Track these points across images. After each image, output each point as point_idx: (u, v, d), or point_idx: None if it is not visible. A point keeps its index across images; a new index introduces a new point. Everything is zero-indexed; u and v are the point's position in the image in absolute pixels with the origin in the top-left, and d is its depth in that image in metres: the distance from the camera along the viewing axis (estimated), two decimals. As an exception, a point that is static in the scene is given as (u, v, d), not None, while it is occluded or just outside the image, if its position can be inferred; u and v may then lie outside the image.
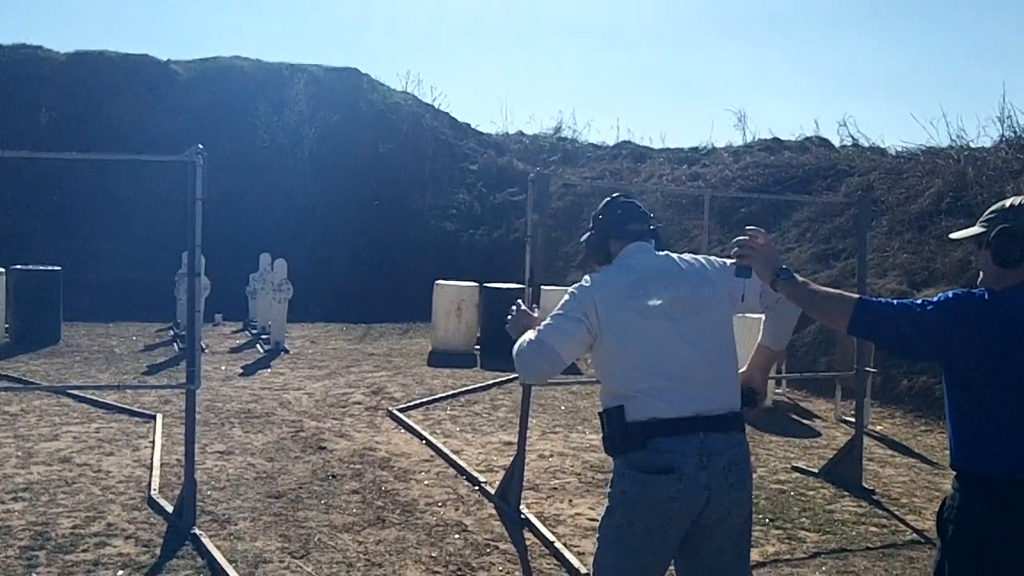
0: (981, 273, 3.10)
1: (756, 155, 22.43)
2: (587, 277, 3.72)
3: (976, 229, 3.11)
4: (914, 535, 7.01)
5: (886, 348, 3.13)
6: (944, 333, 2.93)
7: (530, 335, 3.64)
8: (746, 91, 64.55)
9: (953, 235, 3.36)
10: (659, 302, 3.52)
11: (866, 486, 8.21)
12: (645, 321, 3.50)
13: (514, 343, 3.70)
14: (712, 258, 3.79)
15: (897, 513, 7.54)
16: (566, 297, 3.68)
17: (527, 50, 66.44)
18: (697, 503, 3.38)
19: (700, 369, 3.47)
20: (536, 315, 3.87)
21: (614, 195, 3.99)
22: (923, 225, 15.36)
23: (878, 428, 10.96)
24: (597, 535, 3.63)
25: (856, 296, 3.09)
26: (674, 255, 3.77)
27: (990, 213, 3.09)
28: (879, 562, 6.35)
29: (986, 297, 2.98)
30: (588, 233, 3.89)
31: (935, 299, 2.98)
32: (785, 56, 68.55)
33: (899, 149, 20.06)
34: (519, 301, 4.15)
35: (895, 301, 3.07)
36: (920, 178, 16.80)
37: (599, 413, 3.60)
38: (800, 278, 3.22)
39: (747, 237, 3.30)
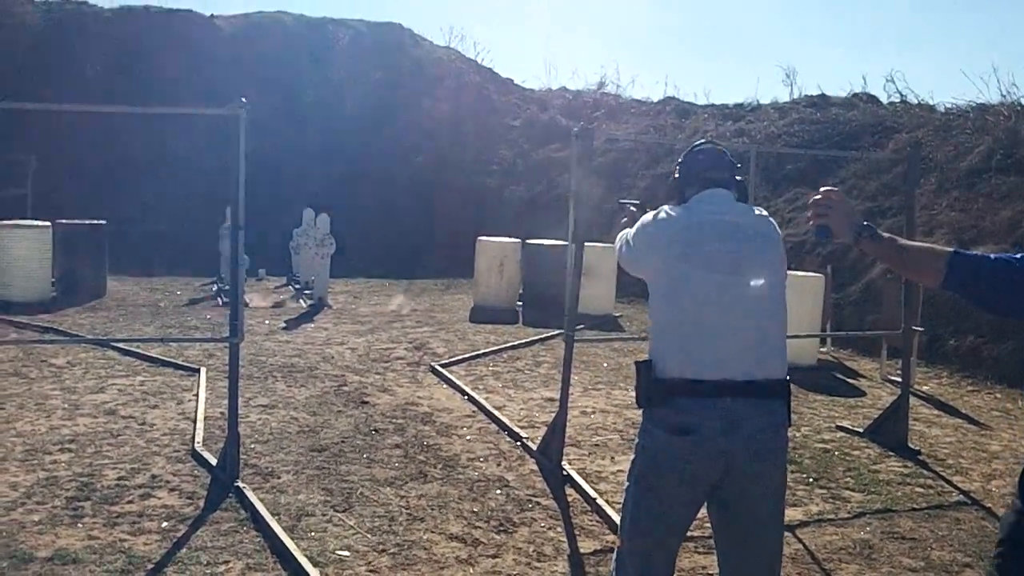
0: None
1: (802, 111, 22.09)
2: (657, 214, 3.65)
3: None
4: (960, 496, 6.94)
5: (983, 305, 2.92)
6: None
7: (626, 235, 3.84)
8: (793, 47, 63.61)
9: None
10: (709, 251, 3.42)
11: (912, 446, 8.14)
12: (690, 269, 3.41)
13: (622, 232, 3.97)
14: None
15: (943, 474, 7.48)
16: (640, 221, 3.72)
17: (572, 4, 65.78)
18: (714, 468, 3.33)
19: (741, 330, 3.38)
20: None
21: (700, 141, 3.93)
22: (972, 183, 15.11)
23: (924, 388, 10.85)
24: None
25: (949, 249, 2.89)
26: (756, 209, 3.67)
27: None
28: (924, 523, 6.29)
29: None
30: (672, 176, 3.82)
31: None
32: (833, 11, 67.49)
33: (948, 106, 19.67)
34: (632, 207, 4.22)
35: (992, 255, 2.86)
36: (970, 135, 16.50)
37: (635, 362, 3.54)
38: (886, 234, 3.01)
39: (821, 196, 3.10)
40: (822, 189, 3.14)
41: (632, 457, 3.57)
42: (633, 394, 3.60)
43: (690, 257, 3.43)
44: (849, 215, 3.07)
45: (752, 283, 3.45)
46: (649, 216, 3.68)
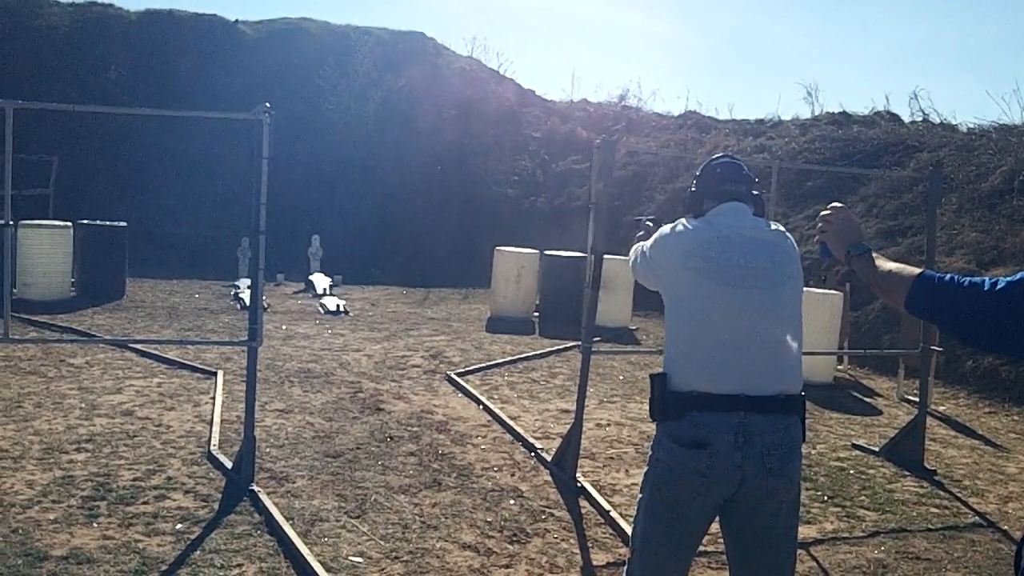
0: None
1: (823, 128, 22.06)
2: (674, 227, 3.65)
3: None
4: (976, 518, 6.90)
5: (945, 330, 2.73)
6: (1013, 317, 2.45)
7: (641, 248, 3.87)
8: (816, 63, 63.71)
9: None
10: (727, 265, 3.43)
11: (928, 466, 8.10)
12: (706, 283, 3.41)
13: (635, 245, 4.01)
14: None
15: (959, 495, 7.44)
16: (658, 233, 3.72)
17: (595, 18, 65.88)
18: (728, 483, 3.32)
19: (758, 344, 3.38)
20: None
21: (719, 154, 3.93)
22: (993, 204, 15.05)
23: (941, 408, 10.79)
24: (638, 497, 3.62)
25: (918, 270, 2.73)
26: (773, 224, 3.67)
27: None
28: (939, 543, 6.26)
29: None
30: (690, 188, 3.82)
31: (1012, 277, 2.54)
32: (857, 29, 67.42)
33: (971, 125, 19.66)
34: (648, 223, 4.28)
35: (967, 279, 2.60)
36: (992, 155, 16.44)
37: (650, 375, 3.53)
38: (874, 254, 2.91)
39: (829, 212, 3.07)
40: (830, 206, 3.11)
41: (646, 469, 3.56)
42: (648, 407, 3.59)
43: (708, 271, 3.43)
44: (845, 233, 3.02)
45: (769, 298, 3.45)
46: (667, 228, 3.67)
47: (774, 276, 3.48)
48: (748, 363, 3.36)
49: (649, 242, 3.78)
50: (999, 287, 2.50)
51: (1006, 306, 2.48)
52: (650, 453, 3.56)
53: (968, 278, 2.62)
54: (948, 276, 2.65)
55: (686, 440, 3.34)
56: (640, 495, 3.60)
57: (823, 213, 3.09)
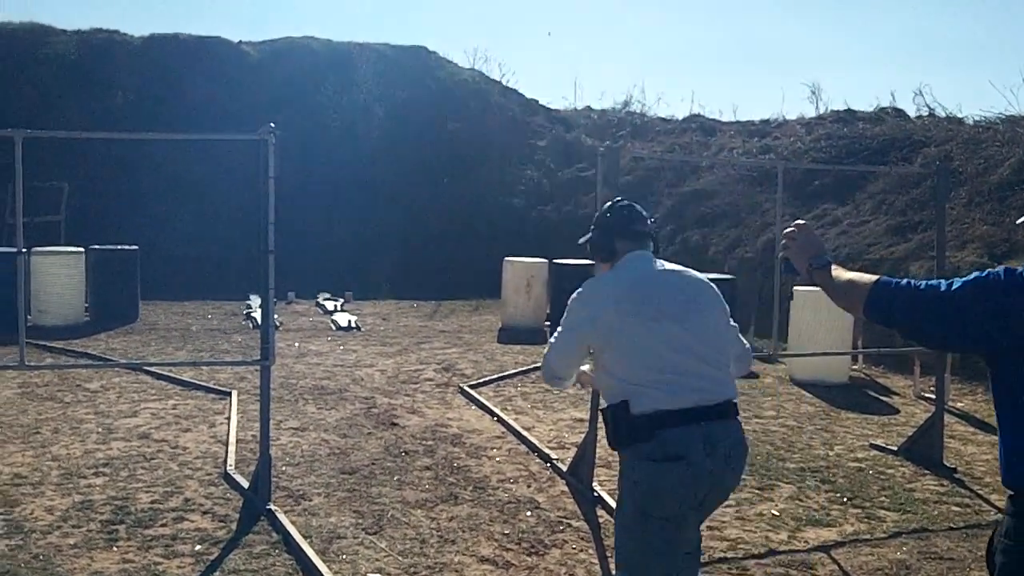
0: None
1: (829, 127, 21.99)
2: (592, 282, 3.98)
3: None
4: (998, 515, 6.85)
5: (905, 335, 2.81)
6: (969, 318, 2.55)
7: (553, 338, 3.97)
8: (819, 62, 63.38)
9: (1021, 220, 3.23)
10: (664, 307, 3.74)
11: (947, 464, 8.06)
12: (653, 325, 3.72)
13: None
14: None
15: (980, 492, 7.40)
16: (573, 306, 3.93)
17: (597, 25, 65.87)
18: (702, 487, 3.64)
19: (698, 363, 3.71)
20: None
21: (618, 198, 4.23)
22: (1003, 196, 14.98)
23: (959, 405, 10.75)
24: (613, 528, 3.82)
25: (875, 277, 2.80)
26: (668, 264, 4.00)
27: None
28: (962, 542, 6.23)
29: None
30: (592, 232, 4.11)
31: (967, 277, 2.62)
32: (860, 25, 67.28)
33: (977, 118, 19.55)
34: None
35: (923, 283, 2.70)
36: (1000, 148, 16.36)
37: (601, 410, 3.82)
38: (834, 266, 2.99)
39: (792, 229, 3.19)
40: (793, 223, 3.24)
41: (619, 498, 3.84)
42: (608, 438, 3.79)
43: (639, 312, 3.76)
44: (807, 248, 3.13)
45: (697, 324, 3.78)
46: (585, 288, 3.94)
47: (697, 304, 3.85)
48: (697, 378, 3.69)
49: (566, 316, 3.94)
50: (955, 287, 2.62)
51: (964, 305, 2.59)
52: (623, 482, 3.79)
53: (925, 281, 2.74)
54: (904, 281, 2.78)
55: (663, 456, 3.61)
56: (616, 528, 3.92)
57: (786, 231, 3.22)
